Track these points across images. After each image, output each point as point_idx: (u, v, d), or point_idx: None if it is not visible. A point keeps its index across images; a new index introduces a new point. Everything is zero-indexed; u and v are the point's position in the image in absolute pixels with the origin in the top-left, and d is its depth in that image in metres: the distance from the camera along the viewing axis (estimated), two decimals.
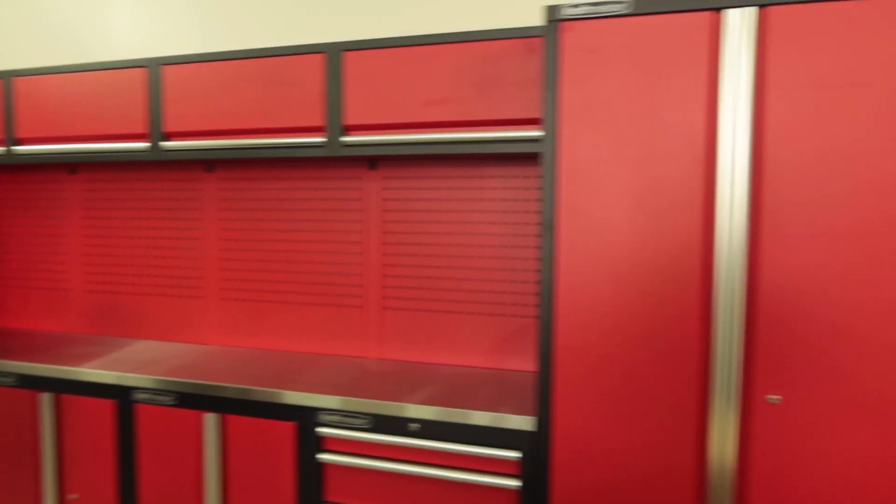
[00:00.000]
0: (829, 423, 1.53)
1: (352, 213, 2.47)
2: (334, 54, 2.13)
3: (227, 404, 2.10)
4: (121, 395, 2.23)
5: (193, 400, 2.14)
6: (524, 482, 1.81)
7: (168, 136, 2.36)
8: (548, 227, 1.71)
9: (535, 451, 1.79)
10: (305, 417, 2.02)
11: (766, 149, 1.53)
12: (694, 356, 1.61)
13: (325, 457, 2.00)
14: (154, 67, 2.35)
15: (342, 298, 2.51)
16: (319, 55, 2.15)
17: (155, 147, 2.37)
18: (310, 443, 2.02)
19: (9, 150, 2.58)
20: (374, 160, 2.42)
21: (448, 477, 1.87)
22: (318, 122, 2.16)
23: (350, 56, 2.11)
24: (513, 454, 1.81)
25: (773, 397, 1.58)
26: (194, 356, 2.48)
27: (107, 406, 2.25)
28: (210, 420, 2.11)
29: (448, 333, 2.39)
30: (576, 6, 1.66)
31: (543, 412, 1.75)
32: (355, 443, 1.98)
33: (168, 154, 2.35)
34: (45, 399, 2.32)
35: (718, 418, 1.60)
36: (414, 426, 1.90)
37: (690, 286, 1.60)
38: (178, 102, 2.33)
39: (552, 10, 1.68)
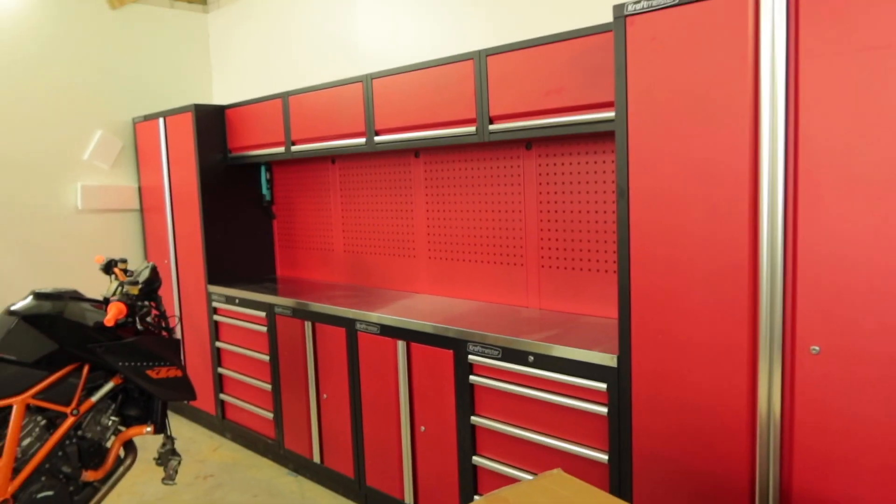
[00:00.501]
0: (864, 373, 1.61)
1: (513, 186, 2.96)
2: (480, 59, 2.64)
3: (412, 335, 2.78)
4: (348, 326, 3.07)
5: (391, 331, 2.86)
6: (611, 409, 2.16)
7: (378, 132, 3.11)
8: (622, 194, 2.02)
9: (618, 384, 2.12)
10: (460, 347, 2.60)
11: (802, 114, 1.65)
12: (744, 305, 1.80)
13: (473, 378, 2.56)
14: (367, 82, 3.11)
15: (508, 258, 3.02)
16: (469, 61, 2.68)
17: (370, 141, 3.14)
18: (463, 367, 2.60)
19: (288, 149, 3.61)
20: (529, 142, 2.87)
21: (554, 401, 2.30)
22: (470, 114, 2.70)
23: (491, 59, 2.60)
24: (600, 385, 2.17)
25: (815, 348, 1.70)
26: (405, 301, 3.23)
27: (341, 332, 3.11)
28: (401, 346, 2.82)
29: (590, 288, 2.75)
30: (636, 2, 1.93)
31: (623, 351, 2.08)
32: (491, 369, 2.51)
33: (381, 146, 3.11)
34: (308, 326, 3.28)
35: (765, 364, 1.78)
36: (531, 358, 2.36)
37: (739, 241, 1.79)
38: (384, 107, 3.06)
39: (618, 7, 1.97)
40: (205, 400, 4.16)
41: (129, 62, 4.56)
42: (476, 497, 2.62)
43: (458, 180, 3.19)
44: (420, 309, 3.01)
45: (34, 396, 2.37)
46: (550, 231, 2.86)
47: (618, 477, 2.16)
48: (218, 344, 3.99)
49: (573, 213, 2.78)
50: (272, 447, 3.70)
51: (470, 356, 2.56)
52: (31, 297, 2.46)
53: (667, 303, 1.95)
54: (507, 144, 2.97)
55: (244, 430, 3.88)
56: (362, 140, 3.19)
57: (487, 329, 2.55)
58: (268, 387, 3.62)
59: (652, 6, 1.90)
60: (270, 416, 3.62)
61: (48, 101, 4.20)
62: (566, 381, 2.26)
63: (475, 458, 2.61)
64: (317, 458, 3.36)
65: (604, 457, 2.19)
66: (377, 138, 3.11)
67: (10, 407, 2.33)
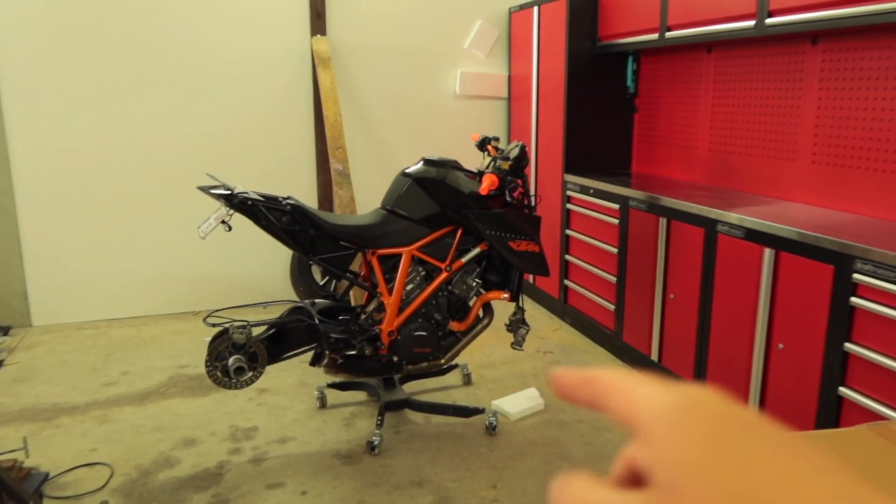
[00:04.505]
0: None
1: None
2: None
3: (782, 243, 2.50)
4: (708, 226, 2.88)
5: (758, 236, 2.61)
6: None
7: (771, 13, 2.73)
8: None
9: None
10: (844, 263, 2.26)
11: None
12: None
13: (855, 300, 2.22)
14: None
15: None
16: None
17: (759, 24, 2.78)
18: (845, 286, 2.27)
19: (661, 36, 3.40)
20: None
21: None
22: None
23: None
24: None
25: None
26: (776, 207, 2.90)
27: (698, 233, 2.94)
28: (768, 254, 2.57)
29: None
30: None
31: None
32: (883, 293, 2.13)
33: (773, 29, 2.74)
34: (662, 223, 3.17)
35: None
36: None
37: None
38: None
39: None
40: (550, 283, 4.39)
41: None
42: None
43: (866, 72, 2.68)
44: (795, 217, 2.68)
45: (419, 249, 2.73)
46: None
47: None
48: (568, 231, 4.12)
49: None
50: (609, 338, 3.76)
51: (855, 275, 2.21)
52: (421, 163, 2.79)
53: None
54: None
55: (583, 317, 4.01)
56: (751, 23, 2.84)
57: (884, 246, 2.16)
58: (612, 279, 3.64)
59: None
60: (612, 307, 3.67)
61: None
62: None
63: (842, 389, 2.30)
64: (654, 356, 3.33)
65: None
66: (770, 20, 2.74)
67: (400, 255, 2.73)
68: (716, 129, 3.54)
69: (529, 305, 4.64)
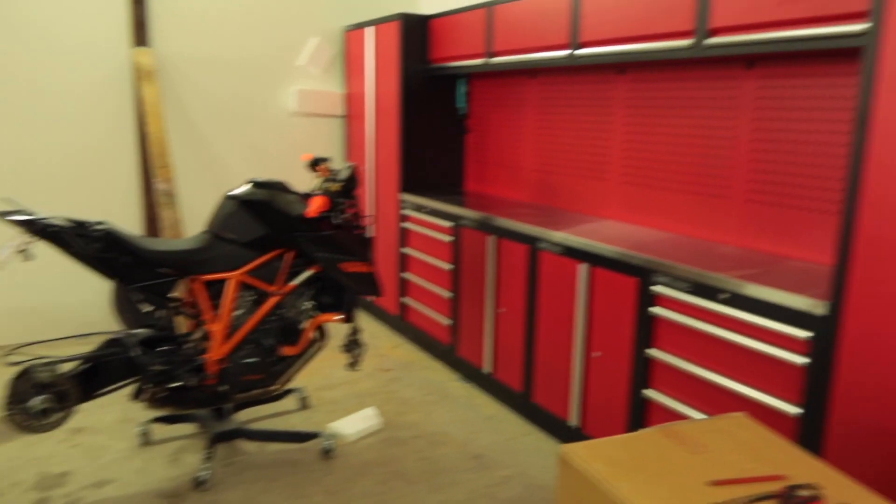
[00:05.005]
0: None
1: (726, 110, 2.69)
2: None
3: (595, 259, 2.70)
4: (531, 243, 3.05)
5: (574, 253, 2.80)
6: (813, 361, 1.95)
7: (581, 45, 2.96)
8: (861, 123, 1.75)
9: (825, 335, 1.90)
10: (645, 276, 2.48)
11: None
12: None
13: (655, 310, 2.45)
14: None
15: (709, 188, 2.79)
16: None
17: (571, 54, 3.00)
18: (646, 297, 2.49)
19: (487, 61, 3.57)
20: (751, 59, 2.57)
21: (744, 343, 2.13)
22: (687, 26, 2.46)
23: None
24: (803, 333, 1.96)
25: None
26: (591, 225, 3.13)
27: (523, 250, 3.10)
28: (582, 269, 2.76)
29: (802, 229, 2.47)
30: None
31: (836, 300, 1.85)
32: (676, 302, 2.37)
33: (583, 59, 2.96)
34: (491, 241, 3.31)
35: None
36: (723, 295, 2.19)
37: None
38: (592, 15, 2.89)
39: None
40: (388, 301, 4.42)
41: None
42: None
43: (662, 101, 2.97)
44: (606, 234, 2.91)
45: (246, 273, 2.64)
46: (764, 163, 2.58)
47: (809, 433, 1.98)
48: (404, 250, 4.18)
49: (793, 144, 2.48)
50: (446, 352, 3.86)
51: (654, 287, 2.44)
52: (249, 185, 2.71)
53: None
54: (723, 62, 2.69)
55: (422, 334, 4.08)
56: (565, 52, 3.06)
57: (677, 260, 2.40)
58: (447, 295, 3.74)
59: None
60: (448, 322, 3.77)
61: (271, 8, 4.49)
62: (761, 325, 2.08)
63: (647, 392, 2.52)
64: (487, 369, 3.45)
65: (794, 409, 2.01)
66: (579, 51, 2.97)
67: (226, 280, 2.62)
68: (540, 150, 3.76)
69: (369, 323, 4.65)
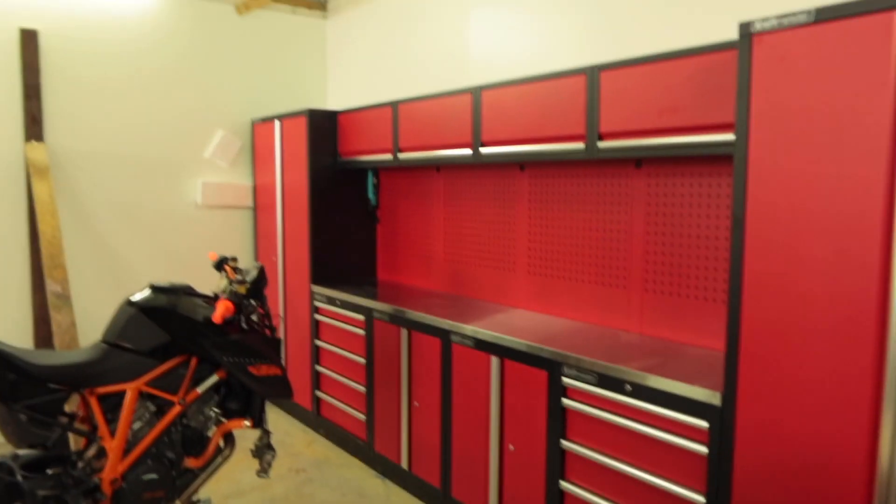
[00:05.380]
0: None
1: (620, 205, 2.85)
2: (593, 74, 2.56)
3: (506, 352, 2.74)
4: (443, 336, 3.07)
5: (486, 346, 2.84)
6: (711, 449, 2.03)
7: (484, 144, 3.09)
8: (737, 220, 1.90)
9: (720, 424, 1.99)
10: (554, 369, 2.54)
11: None
12: (870, 354, 1.64)
13: (566, 402, 2.49)
14: (476, 94, 3.10)
15: (610, 279, 2.92)
16: (581, 75, 2.61)
17: (475, 153, 3.13)
18: (557, 389, 2.53)
19: (395, 157, 3.66)
20: (639, 160, 2.76)
21: (650, 433, 2.19)
22: (579, 130, 2.63)
23: (604, 75, 2.52)
24: (701, 423, 2.04)
25: None
26: (501, 315, 3.19)
27: (436, 343, 3.11)
28: (494, 362, 2.79)
29: (696, 316, 2.61)
30: (765, 20, 1.80)
31: (729, 389, 1.95)
32: (586, 394, 2.43)
33: (486, 158, 3.09)
34: (404, 333, 3.31)
35: (890, 418, 1.61)
36: (628, 387, 2.26)
37: (869, 274, 1.63)
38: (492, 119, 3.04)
39: (744, 25, 1.85)
40: (302, 395, 4.29)
41: (251, 66, 4.79)
42: None
43: (562, 196, 3.12)
44: (516, 325, 2.97)
45: (146, 384, 2.51)
46: (656, 254, 2.74)
47: None
48: (317, 342, 4.10)
49: (682, 237, 2.64)
50: (363, 448, 3.76)
51: (564, 379, 2.49)
52: (148, 290, 2.61)
53: (781, 339, 1.81)
54: (615, 162, 2.87)
55: (337, 429, 3.97)
56: (468, 151, 3.18)
57: (584, 352, 2.47)
58: (362, 389, 3.68)
59: (783, 24, 1.77)
60: (363, 417, 3.69)
61: (175, 101, 4.47)
62: (664, 415, 2.15)
63: (563, 484, 2.53)
64: (405, 464, 3.38)
65: (700, 498, 2.07)
66: (483, 150, 3.10)
67: (124, 392, 2.48)
68: (449, 240, 3.84)
69: (282, 419, 4.48)
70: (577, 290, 3.08)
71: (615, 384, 2.31)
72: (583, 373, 2.42)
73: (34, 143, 3.91)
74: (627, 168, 2.82)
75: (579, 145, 2.64)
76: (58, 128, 4.07)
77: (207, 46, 4.58)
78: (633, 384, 2.25)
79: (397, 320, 3.36)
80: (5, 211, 3.91)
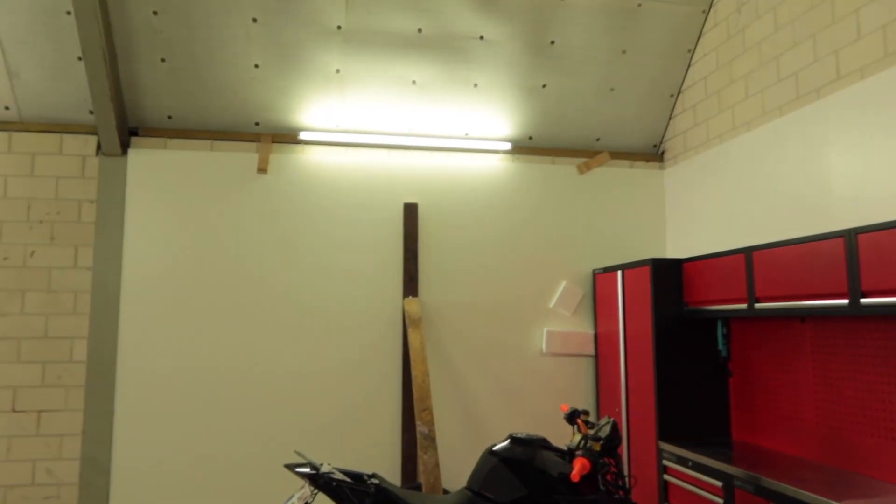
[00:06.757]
0: None
1: None
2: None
3: None
4: None
5: None
6: None
7: (865, 294, 2.70)
8: None
9: None
10: None
11: None
12: None
13: None
14: (851, 236, 2.76)
15: None
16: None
17: (854, 303, 2.74)
18: None
19: (751, 307, 3.40)
20: None
21: None
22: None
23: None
24: None
25: None
26: (891, 497, 2.61)
27: None
28: None
29: None
30: None
31: None
32: None
33: (868, 309, 2.69)
34: None
35: None
36: None
37: None
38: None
39: None
40: None
41: (591, 219, 5.01)
42: None
43: None
44: None
45: None
46: None
47: None
48: None
49: None
50: None
51: None
52: (508, 441, 2.73)
53: None
54: None
55: None
56: (844, 301, 2.81)
57: None
58: None
59: None
60: None
61: (522, 255, 4.85)
62: None
63: None
64: None
65: None
66: (864, 300, 2.70)
67: None
68: (822, 401, 3.34)
69: None
70: None
71: None
72: None
73: (411, 298, 4.54)
74: None
75: None
76: (428, 283, 4.68)
77: (552, 204, 4.95)
78: None
79: (764, 492, 2.96)
80: (386, 355, 4.55)
